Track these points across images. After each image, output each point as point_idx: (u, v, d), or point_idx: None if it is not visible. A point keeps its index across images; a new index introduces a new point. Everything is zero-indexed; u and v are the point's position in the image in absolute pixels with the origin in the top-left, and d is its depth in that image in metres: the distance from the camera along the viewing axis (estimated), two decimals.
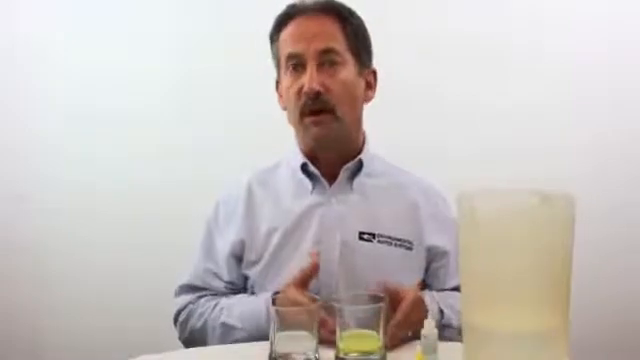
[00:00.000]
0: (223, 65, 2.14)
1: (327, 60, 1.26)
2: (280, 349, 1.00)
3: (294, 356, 1.00)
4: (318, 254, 1.21)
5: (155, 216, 2.17)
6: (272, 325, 1.01)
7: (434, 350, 0.97)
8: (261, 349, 1.05)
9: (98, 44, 2.19)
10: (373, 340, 0.99)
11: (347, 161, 1.31)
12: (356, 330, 1.00)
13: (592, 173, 2.08)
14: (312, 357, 1.00)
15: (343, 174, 1.31)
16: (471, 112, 2.11)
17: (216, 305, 1.29)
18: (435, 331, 0.98)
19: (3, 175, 2.25)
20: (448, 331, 1.20)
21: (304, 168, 1.32)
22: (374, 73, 1.37)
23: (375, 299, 1.02)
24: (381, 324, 1.00)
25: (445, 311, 1.23)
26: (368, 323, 1.00)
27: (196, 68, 2.17)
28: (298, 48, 1.26)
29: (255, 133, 2.07)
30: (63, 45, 2.21)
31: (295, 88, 1.26)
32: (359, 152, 1.33)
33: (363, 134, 1.37)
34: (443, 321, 1.22)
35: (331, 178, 1.31)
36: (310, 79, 1.24)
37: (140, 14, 2.20)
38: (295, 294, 1.10)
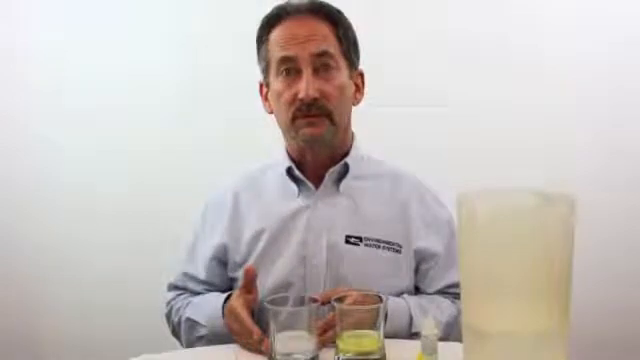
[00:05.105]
0: (224, 65, 2.13)
1: (322, 64, 1.23)
2: (280, 349, 1.00)
3: (294, 356, 1.00)
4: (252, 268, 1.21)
5: (155, 216, 2.16)
6: (272, 325, 1.01)
7: (434, 350, 0.97)
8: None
9: (99, 43, 2.19)
10: (373, 340, 1.00)
11: (334, 164, 1.30)
12: (356, 330, 1.00)
13: (593, 174, 2.08)
14: (312, 357, 1.00)
15: (329, 177, 1.29)
16: (471, 113, 2.10)
17: (190, 302, 1.33)
18: (435, 331, 0.98)
19: (3, 175, 2.25)
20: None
21: (290, 172, 1.31)
22: (361, 75, 1.34)
23: (375, 299, 1.02)
24: (381, 324, 1.00)
25: (415, 318, 1.21)
26: (368, 323, 1.00)
27: (197, 68, 2.17)
28: (291, 52, 1.22)
29: (256, 133, 2.06)
30: (64, 44, 2.20)
31: (289, 94, 1.23)
32: (346, 155, 1.32)
33: (351, 136, 1.35)
34: (412, 329, 1.20)
35: (318, 181, 1.30)
36: (307, 85, 1.20)
37: (141, 13, 2.20)
38: (241, 318, 1.14)
